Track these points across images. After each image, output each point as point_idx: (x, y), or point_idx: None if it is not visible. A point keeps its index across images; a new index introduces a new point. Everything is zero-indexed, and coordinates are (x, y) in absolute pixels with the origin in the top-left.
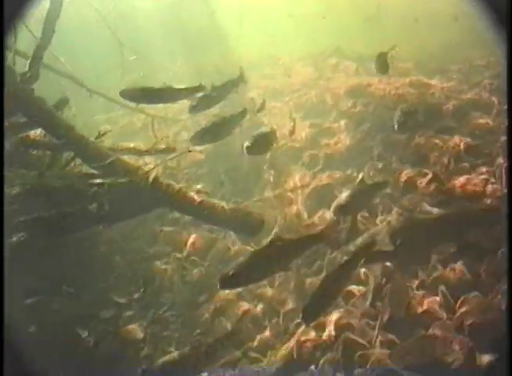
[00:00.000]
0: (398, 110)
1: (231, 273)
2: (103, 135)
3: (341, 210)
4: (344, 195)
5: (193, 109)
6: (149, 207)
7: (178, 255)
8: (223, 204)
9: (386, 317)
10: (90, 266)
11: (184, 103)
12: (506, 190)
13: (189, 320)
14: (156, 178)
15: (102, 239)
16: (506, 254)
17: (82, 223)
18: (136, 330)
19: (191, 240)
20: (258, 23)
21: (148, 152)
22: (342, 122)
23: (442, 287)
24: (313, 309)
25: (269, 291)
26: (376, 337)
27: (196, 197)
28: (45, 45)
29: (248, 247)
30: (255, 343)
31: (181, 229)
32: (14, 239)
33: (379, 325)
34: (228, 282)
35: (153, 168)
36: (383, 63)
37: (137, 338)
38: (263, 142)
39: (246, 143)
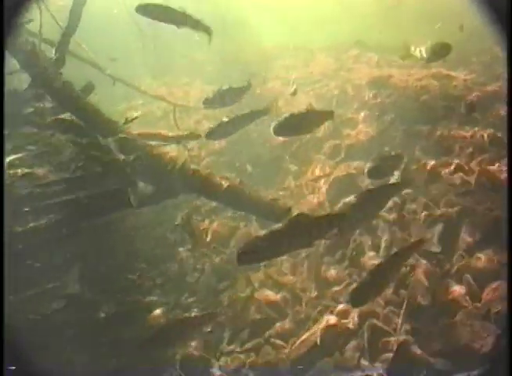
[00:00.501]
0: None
1: (250, 249)
2: (131, 120)
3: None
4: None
5: (207, 103)
6: (176, 192)
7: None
8: (250, 190)
9: (411, 305)
10: (113, 252)
11: (205, 92)
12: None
13: (211, 306)
14: (184, 164)
15: (124, 225)
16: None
17: (111, 206)
18: (159, 315)
19: (213, 227)
20: (279, 13)
21: (174, 138)
22: (364, 113)
23: (467, 276)
24: (362, 293)
25: (291, 279)
26: (402, 324)
27: (223, 182)
28: (70, 32)
29: None
30: (277, 330)
31: (203, 217)
32: (44, 221)
33: (404, 312)
34: (246, 257)
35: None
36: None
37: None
38: (293, 123)
39: (273, 124)
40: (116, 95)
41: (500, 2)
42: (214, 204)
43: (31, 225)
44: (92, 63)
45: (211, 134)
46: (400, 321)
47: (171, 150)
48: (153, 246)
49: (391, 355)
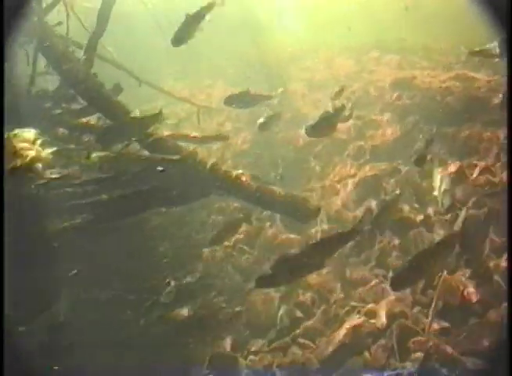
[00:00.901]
0: None
1: (269, 273)
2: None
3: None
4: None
5: (228, 102)
6: (207, 192)
7: (226, 243)
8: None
9: (439, 305)
10: (140, 251)
11: (228, 92)
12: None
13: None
14: (214, 164)
15: (151, 225)
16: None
17: (142, 206)
18: (186, 314)
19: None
20: (299, 15)
21: (202, 139)
22: (387, 114)
23: (496, 276)
24: (403, 278)
25: (318, 280)
26: (431, 323)
27: (252, 183)
28: (98, 34)
29: (292, 236)
30: (304, 330)
31: (228, 217)
32: (78, 220)
33: (432, 312)
34: (264, 282)
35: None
36: None
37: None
38: (325, 124)
39: (306, 125)
40: (138, 97)
41: (500, 2)
42: (237, 204)
43: (67, 224)
44: (117, 64)
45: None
46: (429, 321)
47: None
48: (179, 245)
49: (420, 354)
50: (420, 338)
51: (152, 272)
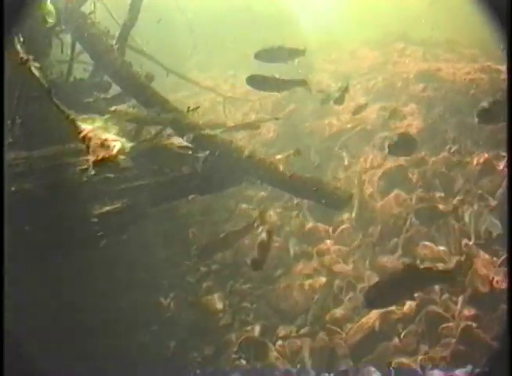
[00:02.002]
0: None
1: (378, 291)
2: (194, 110)
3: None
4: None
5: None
6: (240, 180)
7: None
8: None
9: (469, 292)
10: (169, 238)
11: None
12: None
13: (267, 293)
14: (252, 152)
15: (180, 212)
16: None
17: (179, 192)
18: (215, 300)
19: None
20: (323, 7)
21: (235, 128)
22: (412, 106)
23: None
24: None
25: (344, 268)
26: (460, 310)
27: (286, 171)
28: (131, 24)
29: (319, 224)
30: (332, 316)
31: (255, 206)
32: (117, 205)
33: (462, 299)
34: (373, 301)
35: None
36: None
37: (217, 308)
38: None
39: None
40: (162, 87)
41: (500, 2)
42: (264, 193)
43: (107, 208)
44: (145, 54)
45: None
46: (459, 307)
47: None
48: (207, 233)
49: (450, 340)
50: (450, 323)
51: (181, 258)
